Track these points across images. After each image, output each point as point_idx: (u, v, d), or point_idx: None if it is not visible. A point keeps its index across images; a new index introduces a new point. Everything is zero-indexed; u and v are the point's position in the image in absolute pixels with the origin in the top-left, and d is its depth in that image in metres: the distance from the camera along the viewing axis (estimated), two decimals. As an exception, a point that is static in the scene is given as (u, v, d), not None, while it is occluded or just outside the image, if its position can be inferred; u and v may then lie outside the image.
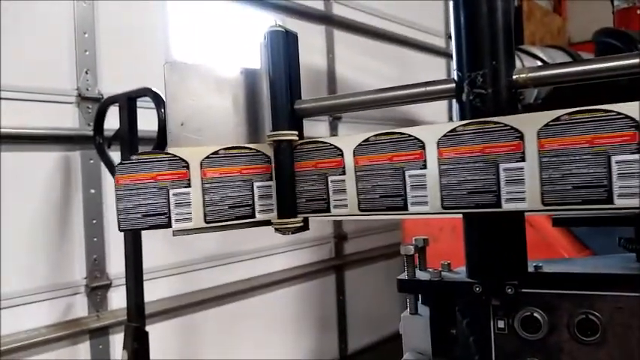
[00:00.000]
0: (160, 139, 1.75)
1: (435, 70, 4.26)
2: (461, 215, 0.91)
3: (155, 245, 2.24)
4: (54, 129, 2.12)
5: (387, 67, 3.85)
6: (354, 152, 0.97)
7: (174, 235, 0.99)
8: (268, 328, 3.03)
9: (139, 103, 1.93)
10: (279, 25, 1.05)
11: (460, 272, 0.96)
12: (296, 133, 1.05)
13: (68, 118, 2.17)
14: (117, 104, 1.97)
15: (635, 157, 0.75)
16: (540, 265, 0.93)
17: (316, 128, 3.27)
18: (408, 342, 1.01)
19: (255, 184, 1.04)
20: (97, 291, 2.23)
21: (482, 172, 0.85)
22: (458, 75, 0.90)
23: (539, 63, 1.83)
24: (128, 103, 1.92)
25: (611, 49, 1.46)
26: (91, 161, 2.22)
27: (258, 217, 1.04)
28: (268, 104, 1.05)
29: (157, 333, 2.12)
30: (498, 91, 0.86)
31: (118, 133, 1.96)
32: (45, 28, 2.11)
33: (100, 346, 2.25)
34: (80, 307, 2.20)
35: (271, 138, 1.04)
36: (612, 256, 1.05)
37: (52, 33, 2.13)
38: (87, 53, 2.21)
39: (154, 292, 2.32)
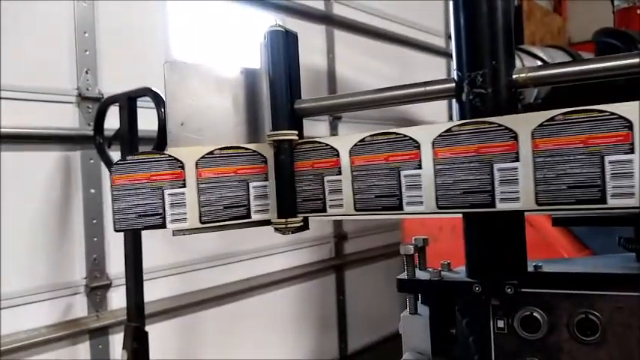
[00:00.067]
0: (160, 139, 1.75)
1: (435, 69, 4.26)
2: (455, 215, 0.91)
3: (155, 245, 2.24)
4: (54, 129, 2.12)
5: (387, 67, 3.85)
6: (350, 152, 0.98)
7: (173, 235, 1.00)
8: (268, 327, 3.03)
9: (139, 103, 1.93)
10: (279, 25, 1.05)
11: (460, 272, 0.96)
12: (296, 132, 1.05)
13: (68, 118, 2.17)
14: (117, 104, 1.97)
15: (629, 157, 0.76)
16: (540, 264, 0.93)
17: (316, 128, 3.27)
18: (407, 342, 1.01)
19: (251, 185, 1.03)
20: (97, 291, 2.23)
21: (477, 172, 0.85)
22: (458, 75, 0.90)
23: (540, 63, 1.84)
24: (128, 102, 1.92)
25: (611, 49, 1.46)
26: (91, 161, 2.22)
27: (254, 217, 1.04)
28: (268, 104, 1.05)
29: (156, 333, 2.12)
30: (498, 90, 0.86)
31: (118, 133, 1.96)
32: (45, 27, 2.11)
33: (100, 346, 2.25)
34: (80, 307, 2.20)
35: (271, 138, 1.04)
36: (612, 256, 1.05)
37: (52, 33, 2.13)
38: (87, 53, 2.21)
39: (153, 292, 2.32)
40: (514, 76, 0.86)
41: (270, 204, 1.05)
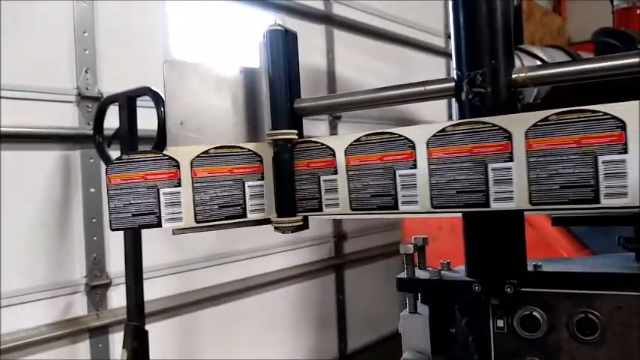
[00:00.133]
0: (160, 138, 1.75)
1: (435, 69, 4.26)
2: (450, 215, 0.91)
3: (154, 244, 2.24)
4: (54, 128, 2.12)
5: (387, 67, 3.85)
6: (345, 152, 0.98)
7: (173, 234, 1.00)
8: (268, 327, 3.03)
9: (138, 102, 1.93)
10: (279, 25, 1.05)
11: (459, 271, 0.96)
12: (295, 132, 1.05)
13: (68, 117, 2.17)
14: (117, 103, 1.97)
15: (622, 157, 0.76)
16: (539, 264, 0.93)
17: (316, 127, 3.27)
18: (407, 341, 1.01)
19: (247, 184, 1.03)
20: (97, 290, 2.24)
21: (471, 172, 0.86)
22: (457, 74, 0.90)
23: (539, 62, 1.83)
24: (128, 102, 1.92)
25: (610, 48, 1.46)
26: (91, 160, 2.22)
27: (250, 216, 1.04)
28: (268, 103, 1.05)
29: (156, 332, 2.12)
30: (497, 90, 0.87)
31: (117, 132, 1.96)
32: (45, 27, 2.11)
33: (100, 345, 2.25)
34: (80, 306, 2.20)
35: (271, 137, 1.04)
36: (611, 256, 1.05)
37: (52, 32, 2.13)
38: (87, 52, 2.21)
39: (152, 291, 2.32)
40: (513, 76, 0.86)
41: (267, 203, 1.05)
